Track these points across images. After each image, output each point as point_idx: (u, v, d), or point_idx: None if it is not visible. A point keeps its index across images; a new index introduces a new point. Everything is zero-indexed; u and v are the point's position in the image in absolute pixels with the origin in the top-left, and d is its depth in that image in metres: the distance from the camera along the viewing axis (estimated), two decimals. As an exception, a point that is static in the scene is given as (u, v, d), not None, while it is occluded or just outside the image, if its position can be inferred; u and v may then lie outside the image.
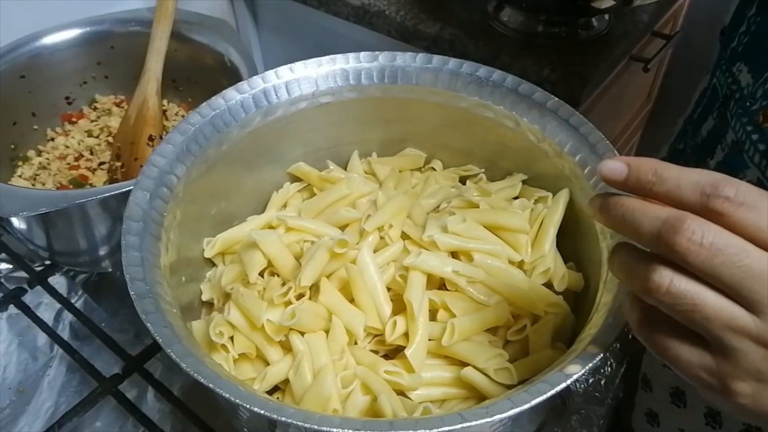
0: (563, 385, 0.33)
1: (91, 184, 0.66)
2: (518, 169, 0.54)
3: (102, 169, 0.68)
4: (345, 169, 0.58)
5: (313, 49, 0.93)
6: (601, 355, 0.34)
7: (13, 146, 0.67)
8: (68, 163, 0.68)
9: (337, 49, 0.54)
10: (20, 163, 0.68)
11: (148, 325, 0.36)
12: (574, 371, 0.34)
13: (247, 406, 0.32)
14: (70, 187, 0.66)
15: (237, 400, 0.32)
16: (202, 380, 0.33)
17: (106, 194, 0.52)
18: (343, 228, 0.51)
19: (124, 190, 0.52)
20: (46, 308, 0.63)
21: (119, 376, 0.55)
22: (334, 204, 0.53)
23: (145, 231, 0.42)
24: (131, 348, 0.58)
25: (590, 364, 0.34)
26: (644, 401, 0.57)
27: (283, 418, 0.32)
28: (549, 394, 0.33)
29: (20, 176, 0.66)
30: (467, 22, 0.78)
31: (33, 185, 0.65)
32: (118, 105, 0.74)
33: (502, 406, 0.33)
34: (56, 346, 0.59)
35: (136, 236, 0.41)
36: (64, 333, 0.61)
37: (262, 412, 0.32)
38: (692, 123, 0.53)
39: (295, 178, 0.57)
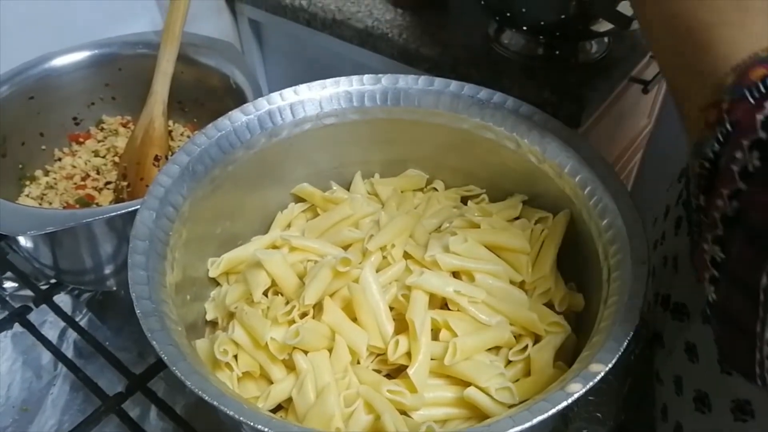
0: (564, 404, 0.33)
1: (97, 204, 0.67)
2: (519, 189, 0.54)
3: (108, 189, 0.69)
4: (348, 190, 0.59)
5: (317, 71, 0.95)
6: (602, 373, 0.34)
7: (21, 166, 0.68)
8: (75, 183, 0.69)
9: (341, 70, 0.55)
10: (28, 183, 0.68)
11: (154, 342, 0.36)
12: (576, 390, 0.34)
13: (252, 424, 0.32)
14: (77, 206, 0.66)
15: (241, 418, 0.33)
16: (206, 398, 0.33)
17: (113, 213, 0.53)
18: (346, 248, 0.52)
19: (130, 209, 0.52)
20: (51, 326, 0.63)
21: (122, 395, 0.55)
22: (337, 224, 0.53)
23: (151, 250, 0.42)
24: (134, 367, 0.58)
25: (591, 383, 0.34)
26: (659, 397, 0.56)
27: (286, 436, 0.32)
28: (550, 412, 0.33)
29: (27, 195, 0.67)
30: (468, 45, 0.79)
31: (40, 204, 0.66)
32: (124, 126, 0.75)
33: (504, 424, 0.33)
34: (60, 365, 0.60)
35: (143, 255, 0.42)
36: (68, 351, 0.61)
37: (267, 430, 0.32)
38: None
39: (298, 199, 0.58)
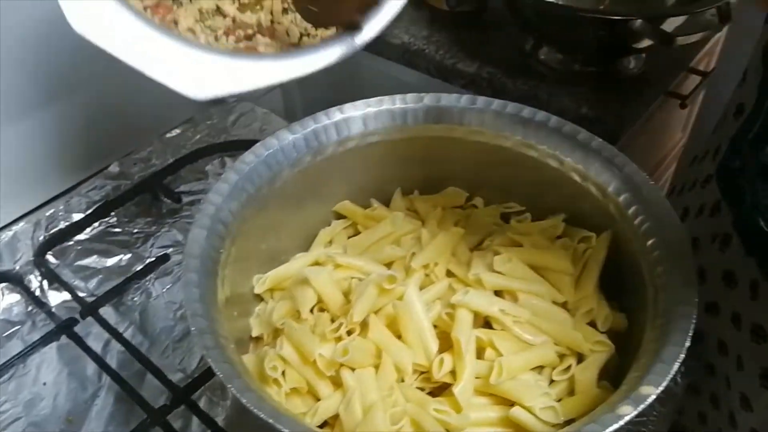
0: (615, 426, 0.34)
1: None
2: (561, 208, 0.54)
3: None
4: (387, 206, 0.59)
5: (356, 86, 0.96)
6: (654, 396, 0.34)
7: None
8: None
9: (379, 86, 0.55)
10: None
11: (209, 360, 0.37)
12: (626, 412, 0.34)
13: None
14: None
15: (297, 436, 0.33)
16: (262, 416, 0.34)
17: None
18: (388, 265, 0.52)
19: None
20: (95, 338, 0.64)
21: (167, 407, 0.56)
22: (378, 241, 0.54)
23: (203, 267, 0.43)
24: (176, 379, 0.59)
25: (642, 406, 0.34)
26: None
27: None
28: (602, 436, 0.33)
29: None
30: (505, 61, 0.79)
31: None
32: None
33: (557, 447, 0.33)
34: (104, 376, 0.60)
35: (195, 273, 0.43)
36: (112, 363, 0.62)
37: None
38: (749, 143, 0.52)
39: (339, 216, 0.59)
